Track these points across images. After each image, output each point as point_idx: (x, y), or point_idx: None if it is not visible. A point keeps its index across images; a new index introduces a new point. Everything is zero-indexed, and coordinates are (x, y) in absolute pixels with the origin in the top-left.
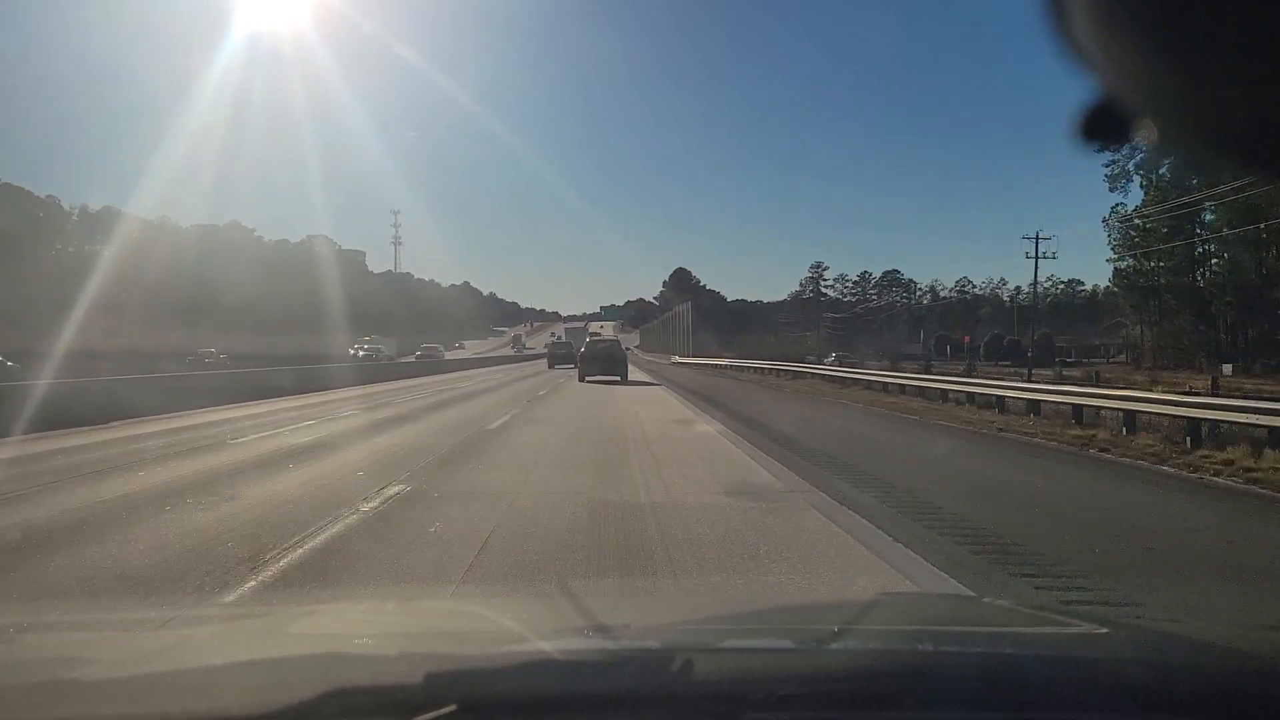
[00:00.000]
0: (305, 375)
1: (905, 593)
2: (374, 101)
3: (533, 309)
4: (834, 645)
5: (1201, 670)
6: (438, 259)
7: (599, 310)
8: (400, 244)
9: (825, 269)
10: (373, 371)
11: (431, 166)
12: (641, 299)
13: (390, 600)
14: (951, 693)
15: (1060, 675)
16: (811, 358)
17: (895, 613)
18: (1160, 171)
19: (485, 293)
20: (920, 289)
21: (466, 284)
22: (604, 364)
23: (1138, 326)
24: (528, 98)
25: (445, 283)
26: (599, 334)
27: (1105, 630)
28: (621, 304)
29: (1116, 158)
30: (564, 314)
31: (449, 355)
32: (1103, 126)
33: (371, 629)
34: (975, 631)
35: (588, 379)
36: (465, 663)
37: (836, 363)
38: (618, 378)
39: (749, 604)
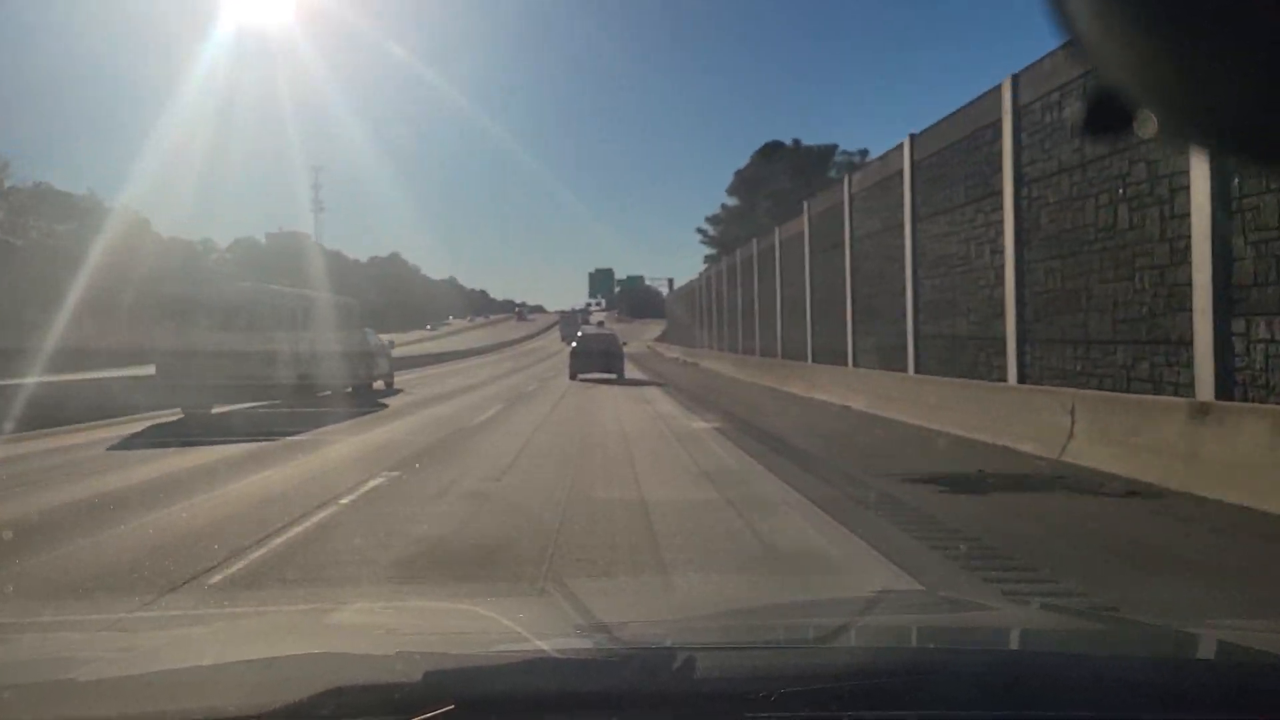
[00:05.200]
0: None
1: (907, 591)
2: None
3: (511, 301)
4: (835, 643)
5: (1207, 666)
6: (420, 247)
7: (588, 299)
8: (323, 209)
9: None
10: None
11: (396, 140)
12: (642, 278)
13: (389, 600)
14: (954, 690)
15: (1063, 672)
16: None
17: (897, 610)
18: None
19: (440, 277)
20: None
21: (396, 256)
22: (599, 360)
23: None
24: (487, 66)
25: (366, 257)
26: (600, 325)
27: (1108, 627)
28: (616, 290)
29: None
30: (549, 308)
31: None
32: (1105, 119)
33: (369, 628)
34: (978, 629)
35: (580, 376)
36: (464, 661)
37: None
38: (614, 375)
39: (749, 601)
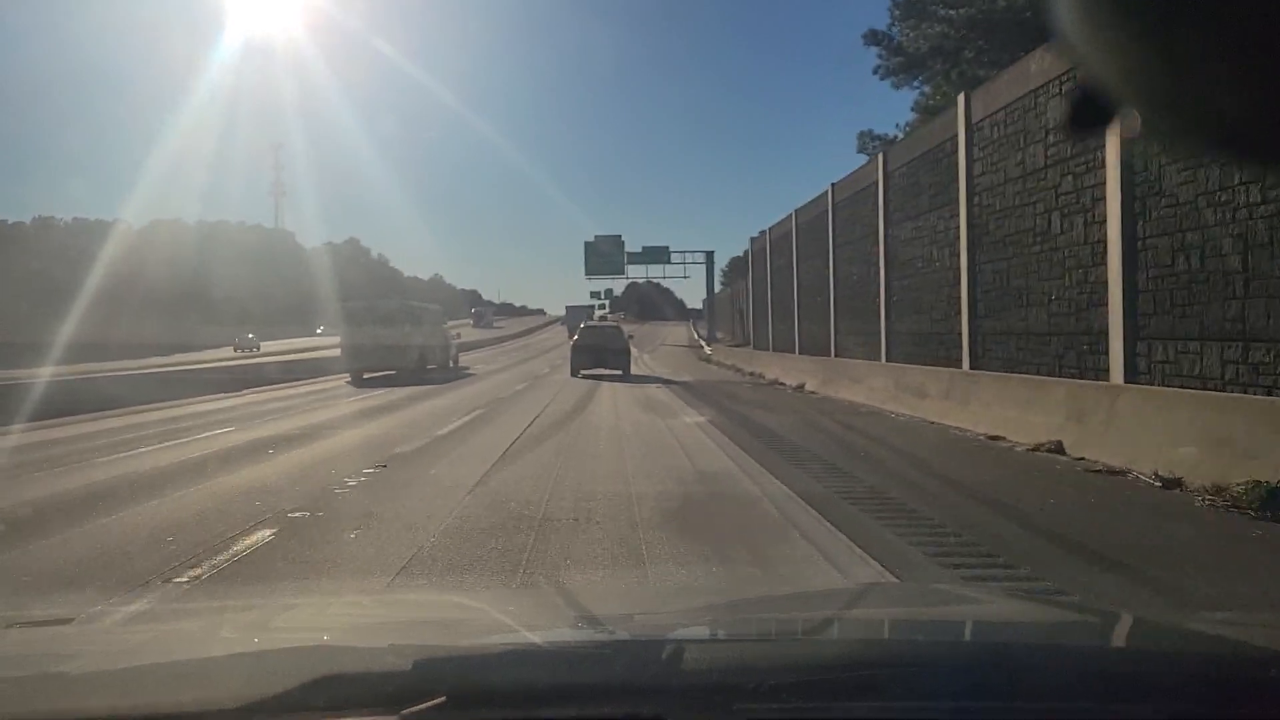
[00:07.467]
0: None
1: (896, 583)
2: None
3: (509, 304)
4: (825, 635)
5: (1197, 658)
6: (404, 243)
7: (590, 295)
8: (283, 194)
9: None
10: None
11: (381, 133)
12: (666, 248)
13: (378, 592)
14: (942, 681)
15: (1050, 664)
16: None
17: (886, 602)
18: None
19: (426, 276)
20: None
21: (355, 242)
22: (602, 355)
23: None
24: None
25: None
26: (604, 319)
27: (1095, 618)
28: (620, 292)
29: None
30: (551, 311)
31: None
32: (1088, 116)
33: (360, 620)
34: (965, 620)
35: (582, 373)
36: (455, 653)
37: None
38: (619, 371)
39: (740, 593)
